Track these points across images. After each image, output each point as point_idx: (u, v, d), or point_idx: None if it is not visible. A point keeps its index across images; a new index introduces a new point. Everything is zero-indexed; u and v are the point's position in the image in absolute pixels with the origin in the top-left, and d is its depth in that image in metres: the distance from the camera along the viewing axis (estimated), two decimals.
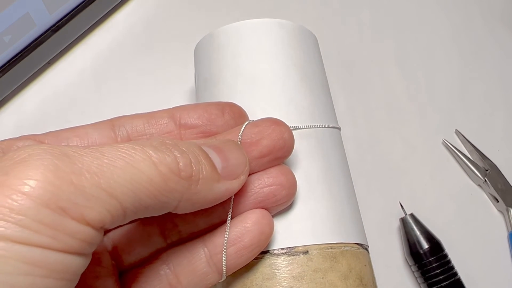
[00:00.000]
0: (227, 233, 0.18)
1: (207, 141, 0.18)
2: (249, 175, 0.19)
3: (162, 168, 0.15)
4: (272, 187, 0.19)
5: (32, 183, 0.12)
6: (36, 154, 0.13)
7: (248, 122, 0.19)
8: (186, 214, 0.19)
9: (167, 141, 0.16)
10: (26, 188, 0.12)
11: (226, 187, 0.17)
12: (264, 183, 0.19)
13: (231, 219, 0.19)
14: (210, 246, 0.18)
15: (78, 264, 0.13)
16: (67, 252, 0.13)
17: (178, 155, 0.15)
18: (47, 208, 0.12)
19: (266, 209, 0.19)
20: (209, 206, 0.17)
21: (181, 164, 0.15)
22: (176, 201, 0.15)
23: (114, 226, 0.14)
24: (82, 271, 0.14)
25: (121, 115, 0.20)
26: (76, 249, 0.13)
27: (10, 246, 0.12)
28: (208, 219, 0.19)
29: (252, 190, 0.19)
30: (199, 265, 0.18)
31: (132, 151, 0.14)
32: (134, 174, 0.14)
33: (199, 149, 0.16)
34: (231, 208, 0.19)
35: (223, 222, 0.19)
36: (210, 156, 0.17)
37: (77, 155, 0.14)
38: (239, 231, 0.18)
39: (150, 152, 0.15)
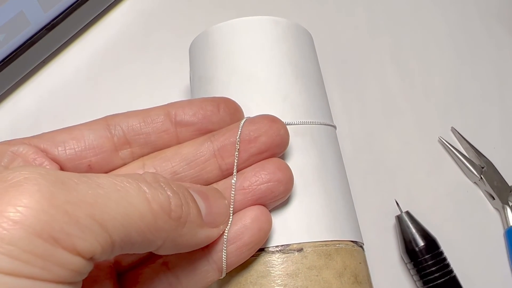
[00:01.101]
0: (227, 231, 0.18)
1: (193, 186, 0.18)
2: (245, 167, 0.19)
3: (154, 205, 0.15)
4: (269, 183, 0.19)
5: (25, 211, 0.12)
6: (33, 178, 0.13)
7: (245, 119, 0.20)
8: None
9: (161, 179, 0.16)
10: (18, 217, 0.12)
11: (206, 234, 0.17)
12: (261, 180, 0.19)
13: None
14: (209, 245, 0.18)
15: None
16: (58, 282, 0.13)
17: (171, 194, 0.15)
18: (39, 238, 0.12)
19: (263, 205, 0.19)
20: (187, 251, 0.17)
21: (172, 204, 0.15)
22: (161, 240, 0.15)
23: (101, 260, 0.14)
24: None
25: (115, 113, 0.20)
26: (66, 279, 0.13)
27: (0, 278, 0.12)
28: None
29: (250, 187, 0.19)
30: (199, 263, 0.18)
31: (127, 184, 0.14)
32: (127, 209, 0.14)
33: (188, 192, 0.17)
34: (232, 209, 0.19)
35: None
36: (196, 200, 0.17)
37: (73, 183, 0.13)
38: (239, 229, 0.18)
39: (145, 188, 0.15)
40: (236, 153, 0.19)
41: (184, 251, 0.17)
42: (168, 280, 0.18)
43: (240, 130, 0.19)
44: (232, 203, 0.19)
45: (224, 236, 0.18)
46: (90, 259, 0.14)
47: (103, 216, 0.13)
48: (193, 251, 0.18)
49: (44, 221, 0.12)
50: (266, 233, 0.19)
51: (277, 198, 0.19)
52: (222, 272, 0.19)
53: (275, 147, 0.19)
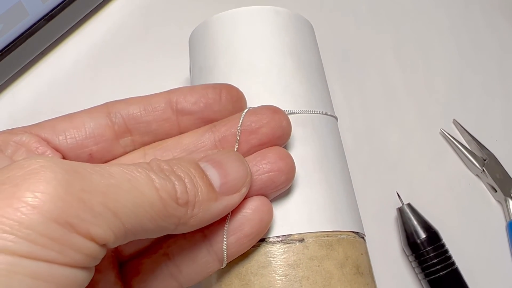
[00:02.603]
0: (228, 222, 0.18)
1: (206, 156, 0.18)
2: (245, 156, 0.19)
3: (163, 193, 0.15)
4: (271, 173, 0.18)
5: (42, 196, 0.13)
6: (49, 166, 0.13)
7: (247, 109, 0.19)
8: None
9: (164, 166, 0.16)
10: (36, 202, 0.12)
11: (224, 204, 0.17)
12: (262, 170, 0.18)
13: None
14: (210, 236, 0.18)
15: (83, 277, 0.14)
16: (73, 266, 0.13)
17: (176, 182, 0.15)
18: (56, 223, 0.13)
19: (264, 195, 0.19)
20: (208, 224, 0.17)
21: (178, 191, 0.15)
22: (173, 225, 0.16)
23: (115, 246, 0.15)
24: (87, 284, 0.14)
25: (116, 100, 0.20)
26: (81, 263, 0.13)
27: (18, 261, 0.12)
28: None
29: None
30: (199, 254, 0.18)
31: (137, 174, 0.15)
32: (138, 197, 0.14)
33: (195, 168, 0.16)
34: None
35: None
36: (208, 173, 0.17)
37: (87, 172, 0.14)
38: (239, 220, 0.18)
39: (153, 177, 0.15)
40: (237, 143, 0.19)
41: (205, 225, 0.17)
42: (169, 270, 0.18)
43: (241, 120, 0.19)
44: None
45: (225, 227, 0.18)
46: (104, 245, 0.14)
47: (116, 204, 0.14)
48: (194, 242, 0.18)
49: (61, 207, 0.13)
50: (267, 224, 0.18)
51: (279, 188, 0.19)
52: (222, 263, 0.19)
53: (277, 139, 0.19)
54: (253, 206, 0.18)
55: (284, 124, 0.19)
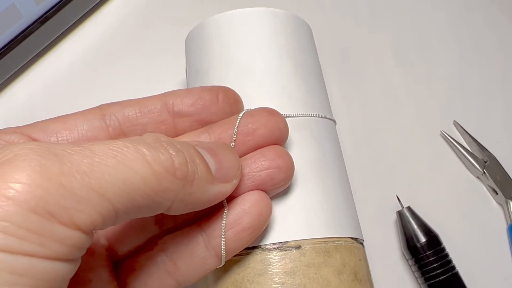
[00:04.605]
0: (225, 216, 0.18)
1: (201, 143, 0.17)
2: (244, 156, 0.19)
3: (156, 167, 0.14)
4: (269, 170, 0.18)
5: (18, 186, 0.12)
6: (23, 154, 0.12)
7: (244, 111, 0.19)
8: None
9: (162, 138, 0.15)
10: (11, 193, 0.12)
11: (219, 190, 0.17)
12: (261, 167, 0.18)
13: (228, 202, 0.18)
14: (207, 230, 0.18)
15: (67, 270, 0.13)
16: (55, 259, 0.12)
17: (173, 153, 0.15)
18: (34, 213, 0.12)
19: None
20: (201, 208, 0.17)
21: (176, 162, 0.15)
22: (169, 201, 0.15)
23: (104, 228, 0.14)
24: (71, 276, 0.13)
25: (111, 102, 0.20)
26: (65, 255, 0.13)
27: None
28: None
29: (249, 174, 0.18)
30: (197, 250, 0.18)
31: (125, 149, 0.14)
32: (127, 173, 0.13)
33: (194, 149, 0.16)
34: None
35: (220, 206, 0.18)
36: (204, 156, 0.16)
37: (66, 153, 0.13)
38: (238, 214, 0.18)
39: (144, 150, 0.14)
40: (233, 144, 0.19)
41: (198, 209, 0.16)
42: (166, 266, 0.18)
43: (238, 122, 0.19)
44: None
45: (223, 221, 0.18)
46: (91, 232, 0.13)
47: (102, 184, 0.13)
48: (192, 237, 0.18)
49: (39, 196, 0.12)
50: (266, 218, 0.18)
51: (278, 185, 0.19)
52: (221, 260, 0.18)
53: (274, 141, 0.19)
54: (251, 199, 0.18)
55: (281, 126, 0.19)
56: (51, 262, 0.12)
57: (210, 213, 0.18)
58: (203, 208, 0.17)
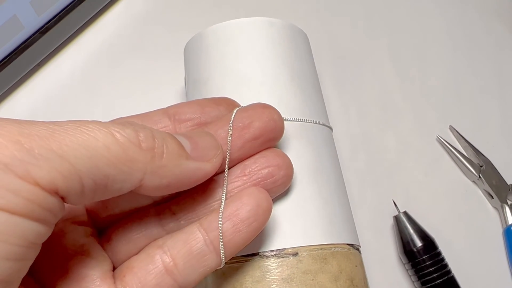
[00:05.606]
0: (222, 206, 0.18)
1: (177, 133, 0.18)
2: (245, 159, 0.19)
3: (119, 137, 0.15)
4: (269, 168, 0.19)
5: None
6: None
7: (238, 108, 0.20)
8: (183, 201, 0.19)
9: (128, 120, 0.16)
10: None
11: (197, 166, 0.17)
12: (261, 165, 0.19)
13: (227, 200, 0.18)
14: (205, 224, 0.18)
15: (32, 230, 0.13)
16: (14, 213, 0.12)
17: (138, 129, 0.15)
18: None
19: None
20: (184, 187, 0.17)
21: (141, 135, 0.15)
22: (140, 172, 0.15)
23: (76, 197, 0.14)
24: (42, 241, 0.14)
25: (114, 119, 0.20)
26: (24, 210, 0.13)
27: None
28: (206, 203, 0.19)
29: (250, 173, 0.19)
30: (195, 244, 0.18)
31: (88, 124, 0.14)
32: (88, 141, 0.14)
33: (165, 132, 0.17)
34: (226, 182, 0.19)
35: (219, 202, 0.18)
36: (178, 139, 0.17)
37: (29, 122, 0.13)
38: (235, 206, 0.18)
39: (108, 124, 0.15)
40: (229, 138, 0.19)
41: (178, 185, 0.17)
42: (164, 264, 0.18)
43: (233, 117, 0.19)
44: (225, 188, 0.19)
45: (220, 213, 0.18)
46: (54, 193, 0.13)
47: (61, 146, 0.13)
48: (189, 230, 0.18)
49: None
50: (264, 210, 0.18)
51: (278, 183, 0.19)
52: (220, 257, 0.18)
53: (270, 132, 0.19)
54: (248, 192, 0.18)
55: (275, 117, 0.19)
56: (9, 215, 0.12)
57: (209, 209, 0.19)
58: (187, 186, 0.17)
